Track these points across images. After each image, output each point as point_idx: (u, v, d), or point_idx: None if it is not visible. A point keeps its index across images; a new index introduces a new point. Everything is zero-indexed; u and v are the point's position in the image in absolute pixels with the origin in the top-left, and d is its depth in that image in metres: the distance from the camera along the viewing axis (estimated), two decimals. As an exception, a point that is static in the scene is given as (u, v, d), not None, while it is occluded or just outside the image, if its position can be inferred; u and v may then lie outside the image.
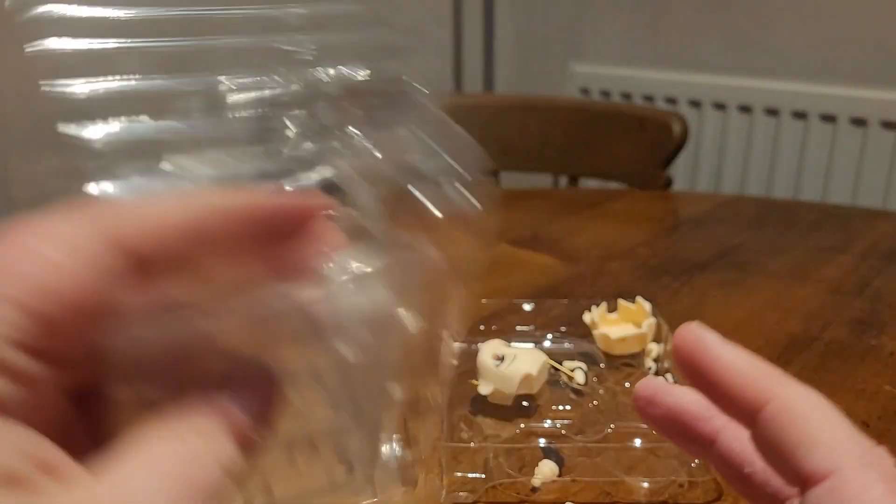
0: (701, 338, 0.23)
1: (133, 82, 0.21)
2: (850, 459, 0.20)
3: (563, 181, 1.25)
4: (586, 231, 0.89)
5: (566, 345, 0.58)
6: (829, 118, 1.46)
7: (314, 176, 0.23)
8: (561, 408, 0.50)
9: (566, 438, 0.47)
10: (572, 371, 0.53)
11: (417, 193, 0.23)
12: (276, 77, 0.24)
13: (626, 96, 1.71)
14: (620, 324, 0.58)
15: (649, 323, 0.56)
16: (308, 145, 0.23)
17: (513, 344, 0.54)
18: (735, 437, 0.26)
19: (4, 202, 0.19)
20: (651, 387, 0.27)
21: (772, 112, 1.52)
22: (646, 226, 0.91)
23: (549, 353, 0.53)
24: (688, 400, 0.26)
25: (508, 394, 0.49)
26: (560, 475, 0.43)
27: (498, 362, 0.49)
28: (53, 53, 0.20)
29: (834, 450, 0.20)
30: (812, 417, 0.21)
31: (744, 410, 0.22)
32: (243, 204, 0.19)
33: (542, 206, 1.00)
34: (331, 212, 0.21)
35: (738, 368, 0.23)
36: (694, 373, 0.23)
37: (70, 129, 0.20)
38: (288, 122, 0.24)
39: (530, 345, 0.56)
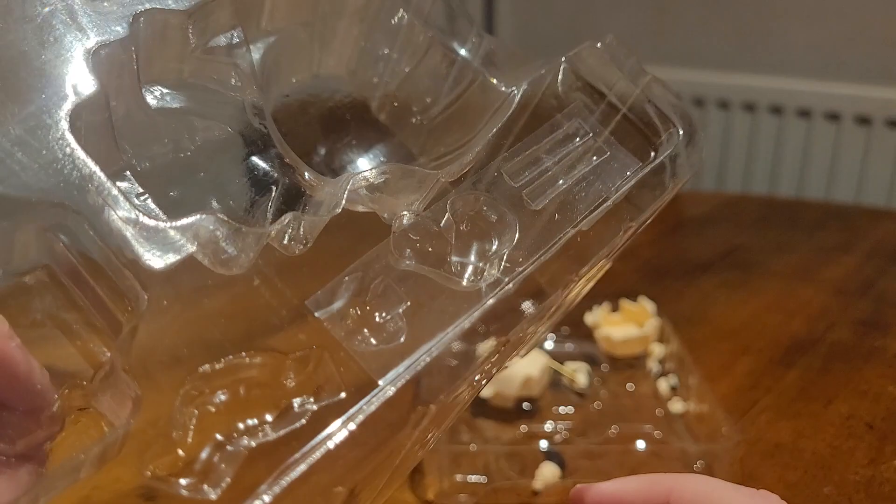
0: (591, 485, 0.27)
1: None
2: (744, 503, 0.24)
3: (566, 181, 1.25)
4: (589, 231, 0.88)
5: (568, 346, 0.57)
6: (833, 116, 1.45)
7: None
8: (563, 410, 0.50)
9: (568, 441, 0.47)
10: (574, 372, 0.52)
11: None
12: None
13: (629, 95, 1.71)
14: (623, 324, 0.58)
15: (652, 324, 0.56)
16: None
17: (514, 345, 0.53)
18: None
19: None
20: None
21: (776, 110, 1.52)
22: (648, 226, 0.91)
23: (551, 355, 0.53)
24: None
25: (509, 396, 0.49)
26: (562, 478, 0.43)
27: (499, 364, 0.49)
28: None
29: (731, 501, 0.24)
30: (707, 487, 0.25)
31: None
32: None
33: (545, 207, 0.99)
34: None
35: (633, 486, 0.26)
36: None
37: None
38: None
39: (532, 346, 0.56)
